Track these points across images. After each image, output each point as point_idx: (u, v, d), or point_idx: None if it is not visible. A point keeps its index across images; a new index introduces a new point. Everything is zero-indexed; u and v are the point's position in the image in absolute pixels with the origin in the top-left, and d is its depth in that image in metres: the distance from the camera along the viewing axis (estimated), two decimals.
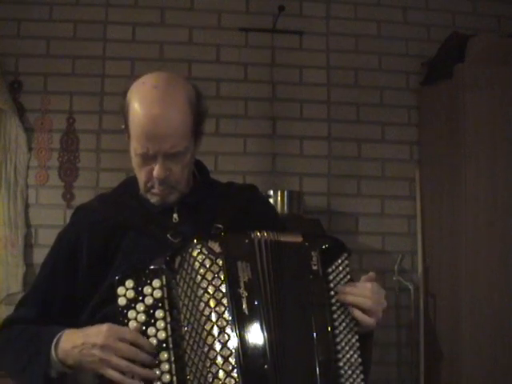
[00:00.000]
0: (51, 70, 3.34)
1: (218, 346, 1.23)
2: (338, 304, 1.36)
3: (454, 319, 3.18)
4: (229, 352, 1.22)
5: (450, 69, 3.26)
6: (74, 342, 1.30)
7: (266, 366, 1.24)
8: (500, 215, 3.14)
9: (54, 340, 1.33)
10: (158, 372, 1.25)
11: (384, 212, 3.54)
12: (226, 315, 1.24)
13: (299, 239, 1.38)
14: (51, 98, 3.33)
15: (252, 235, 1.34)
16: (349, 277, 1.39)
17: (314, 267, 1.36)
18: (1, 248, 3.15)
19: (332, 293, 1.36)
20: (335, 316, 1.35)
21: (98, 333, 1.28)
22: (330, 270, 1.38)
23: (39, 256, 3.13)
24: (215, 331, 1.23)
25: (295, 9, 3.56)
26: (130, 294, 1.28)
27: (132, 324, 1.27)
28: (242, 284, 1.27)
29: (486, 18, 3.68)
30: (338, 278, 1.38)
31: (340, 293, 1.35)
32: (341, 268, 1.39)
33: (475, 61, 3.21)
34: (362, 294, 1.35)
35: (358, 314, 1.35)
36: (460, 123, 3.20)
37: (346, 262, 1.40)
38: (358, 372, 1.34)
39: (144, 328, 1.28)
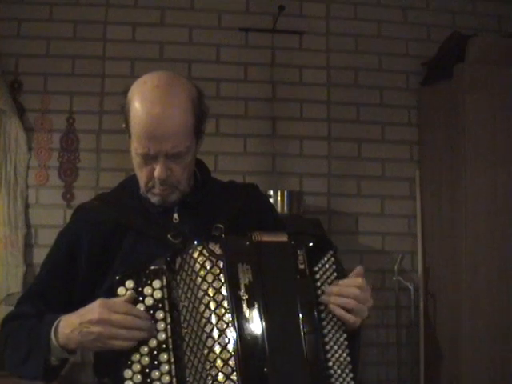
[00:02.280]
0: (51, 69, 3.34)
1: (217, 349, 1.22)
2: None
3: (454, 319, 3.18)
4: (228, 355, 1.22)
5: (449, 69, 3.26)
6: (72, 325, 1.30)
7: (265, 369, 1.24)
8: (500, 215, 3.14)
9: (53, 326, 1.33)
10: (157, 373, 1.25)
11: (384, 212, 3.54)
12: (226, 318, 1.24)
13: (284, 238, 1.37)
14: (51, 97, 3.33)
15: (253, 237, 1.33)
16: (335, 274, 1.38)
17: (301, 266, 1.34)
18: (1, 248, 3.15)
19: (319, 292, 1.35)
20: (323, 315, 1.34)
21: (91, 309, 1.28)
22: (316, 268, 1.37)
23: (39, 256, 3.13)
24: (215, 333, 1.23)
25: (295, 9, 3.56)
26: (130, 294, 1.28)
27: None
28: (242, 286, 1.27)
29: (486, 17, 3.69)
30: (324, 276, 1.37)
31: (326, 294, 1.34)
32: (327, 266, 1.38)
33: (475, 61, 3.21)
34: (347, 293, 1.34)
35: (340, 312, 1.33)
36: (460, 123, 3.20)
37: (333, 259, 1.39)
38: (347, 371, 1.33)
39: None
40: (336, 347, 1.33)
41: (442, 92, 3.37)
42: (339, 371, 1.32)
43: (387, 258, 3.48)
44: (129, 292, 1.28)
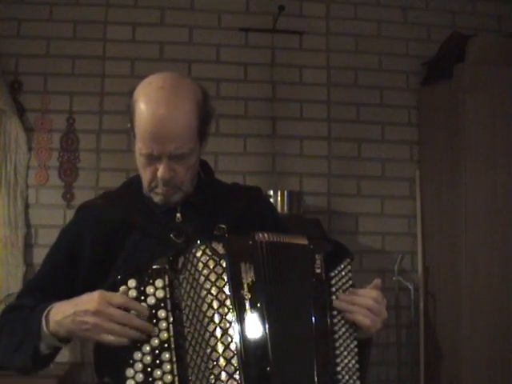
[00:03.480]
0: (51, 69, 3.35)
1: (220, 348, 1.22)
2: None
3: (454, 319, 3.18)
4: (231, 354, 1.22)
5: (449, 69, 3.26)
6: (64, 312, 1.29)
7: (268, 369, 1.23)
8: (499, 214, 3.14)
9: (44, 313, 1.32)
10: (159, 372, 1.25)
11: (384, 212, 3.54)
12: (229, 317, 1.24)
13: (304, 242, 1.38)
14: (51, 97, 3.33)
15: (256, 237, 1.33)
16: (351, 282, 1.39)
17: (318, 270, 1.35)
18: (1, 248, 3.15)
19: (334, 297, 1.36)
20: (335, 321, 1.35)
21: (89, 300, 1.27)
22: (332, 274, 1.37)
23: (39, 256, 3.13)
24: (218, 333, 1.23)
25: (295, 9, 3.56)
26: (133, 293, 1.27)
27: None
28: (245, 286, 1.27)
29: (486, 17, 3.69)
30: (340, 283, 1.38)
31: (342, 300, 1.36)
32: (343, 273, 1.39)
33: (475, 61, 3.21)
34: (364, 303, 1.35)
35: (358, 318, 1.34)
36: (460, 123, 3.20)
37: (349, 267, 1.40)
38: (355, 378, 1.34)
39: None
40: (346, 353, 1.34)
41: (442, 92, 3.37)
42: (347, 377, 1.33)
43: (387, 257, 3.48)
44: (123, 287, 1.27)
